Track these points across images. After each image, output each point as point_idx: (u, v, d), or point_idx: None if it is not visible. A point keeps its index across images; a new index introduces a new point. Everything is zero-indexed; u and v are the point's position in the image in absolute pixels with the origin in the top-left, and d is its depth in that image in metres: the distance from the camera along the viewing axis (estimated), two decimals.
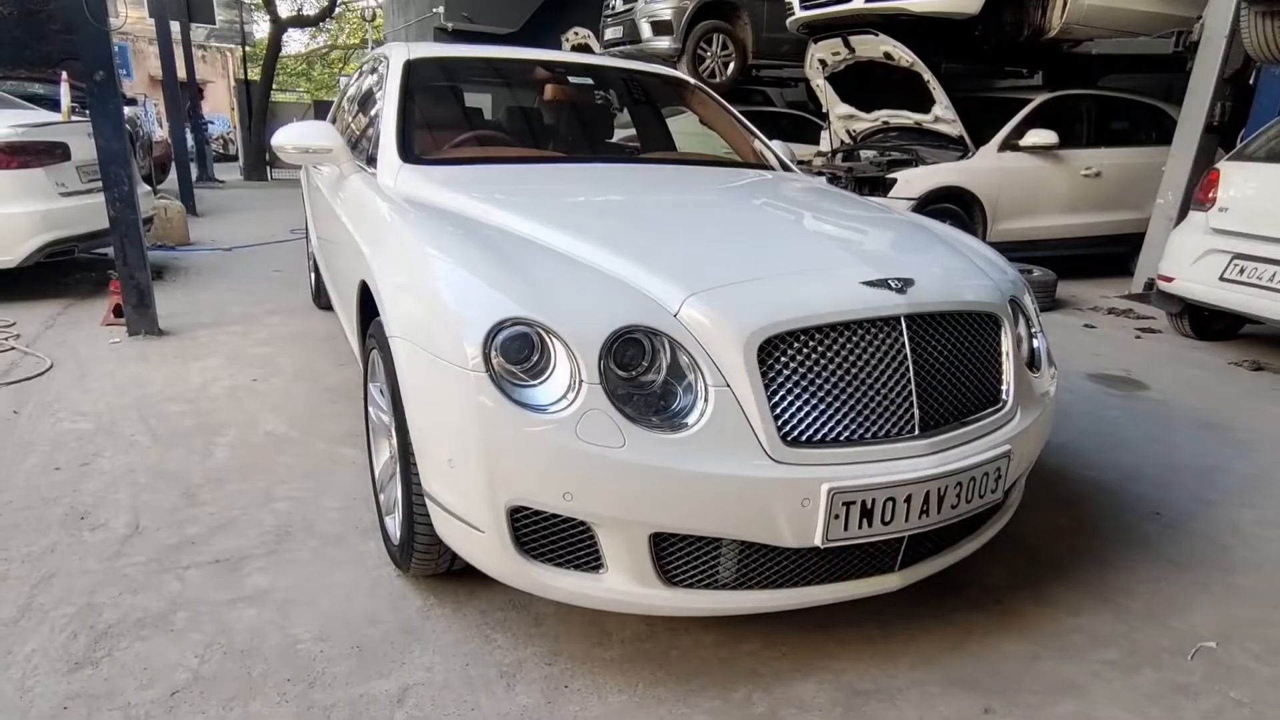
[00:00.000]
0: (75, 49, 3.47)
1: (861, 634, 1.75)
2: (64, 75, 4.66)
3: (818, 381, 1.43)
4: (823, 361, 1.44)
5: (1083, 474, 2.65)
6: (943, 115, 5.38)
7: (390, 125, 2.34)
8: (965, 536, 1.72)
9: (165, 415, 2.86)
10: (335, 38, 29.15)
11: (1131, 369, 3.91)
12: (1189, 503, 2.49)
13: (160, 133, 10.58)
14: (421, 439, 1.54)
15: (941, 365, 1.56)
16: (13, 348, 3.55)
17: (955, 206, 5.35)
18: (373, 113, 2.79)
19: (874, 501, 1.40)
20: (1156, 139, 6.09)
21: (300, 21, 18.12)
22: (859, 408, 1.45)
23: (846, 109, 6.14)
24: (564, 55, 3.21)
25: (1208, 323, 4.43)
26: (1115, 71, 6.77)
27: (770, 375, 1.40)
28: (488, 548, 1.46)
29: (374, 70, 3.18)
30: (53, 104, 5.38)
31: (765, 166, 2.84)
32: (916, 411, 1.49)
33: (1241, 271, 3.87)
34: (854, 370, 1.45)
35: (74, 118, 4.70)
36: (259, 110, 14.81)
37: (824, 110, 6.55)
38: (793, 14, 6.08)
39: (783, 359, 1.42)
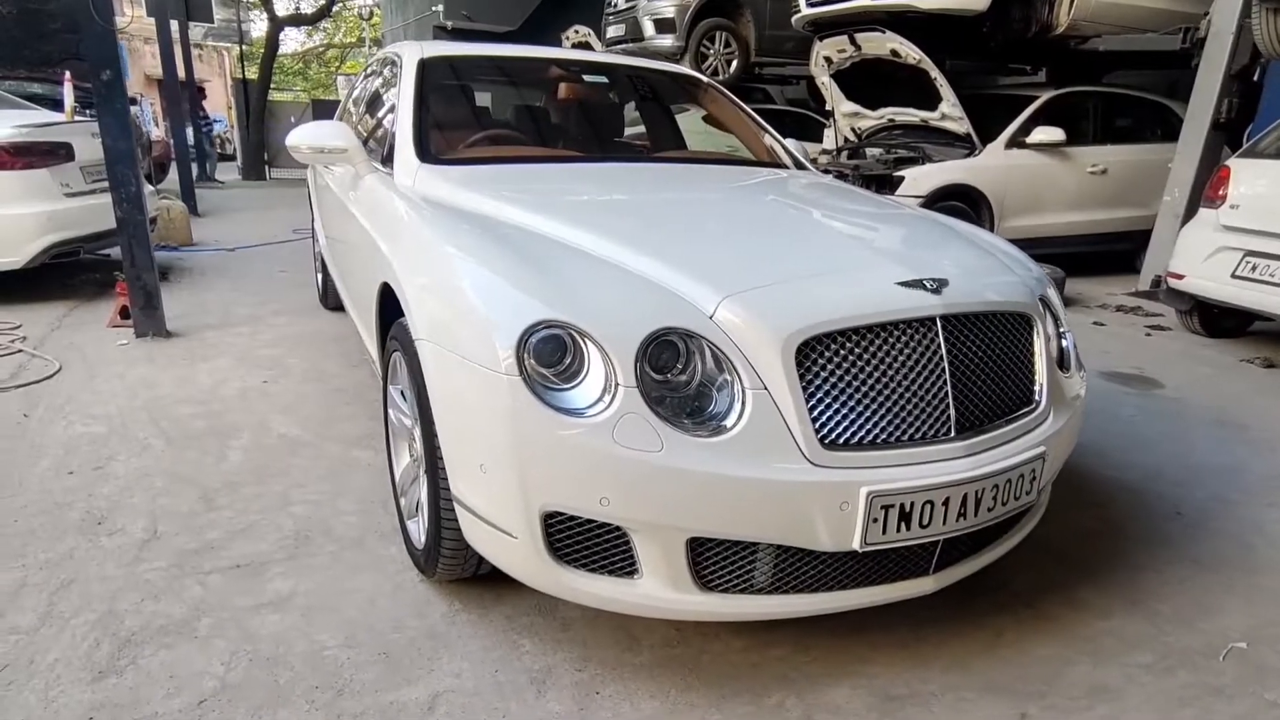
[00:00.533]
0: (76, 48, 3.46)
1: (893, 637, 1.73)
2: (67, 75, 4.63)
3: (854, 383, 1.41)
4: (859, 363, 1.42)
5: (1104, 474, 2.64)
6: (950, 113, 5.37)
7: (407, 125, 2.32)
8: (998, 538, 1.71)
9: (177, 418, 2.83)
10: (332, 37, 29.09)
11: (1144, 367, 3.90)
12: (1210, 502, 2.47)
13: (157, 132, 10.54)
14: (451, 443, 1.52)
15: (976, 366, 1.54)
16: (20, 350, 3.52)
17: (962, 204, 5.34)
18: (386, 113, 2.77)
19: (912, 504, 1.39)
20: (1162, 136, 6.08)
21: (298, 20, 18.07)
22: (896, 410, 1.43)
23: (852, 106, 6.12)
24: (578, 53, 3.19)
25: (1218, 320, 4.42)
26: (1119, 68, 6.77)
27: (807, 377, 1.38)
28: (520, 553, 1.44)
29: (384, 70, 3.16)
30: (53, 104, 5.35)
31: (779, 165, 2.82)
32: (953, 413, 1.47)
33: (1254, 269, 3.86)
34: (890, 372, 1.44)
35: (77, 118, 4.66)
36: (257, 109, 14.78)
37: (827, 108, 6.54)
38: (799, 11, 6.07)
39: (820, 361, 1.40)
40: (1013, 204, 5.56)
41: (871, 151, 5.99)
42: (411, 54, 2.66)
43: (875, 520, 1.37)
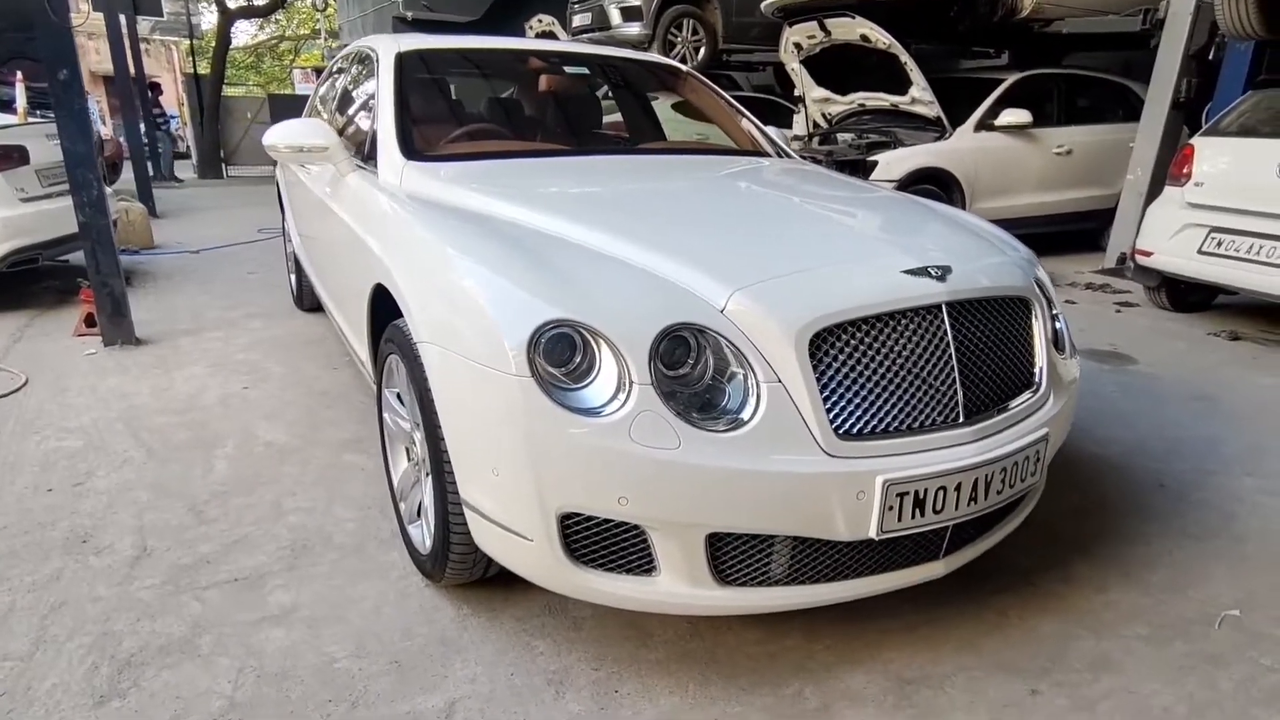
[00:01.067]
0: (25, 47, 3.31)
1: (902, 622, 1.76)
2: (18, 75, 4.44)
3: (865, 373, 1.42)
4: (870, 352, 1.43)
5: (1088, 450, 2.70)
6: (920, 97, 5.42)
7: (389, 122, 2.27)
8: (1002, 519, 1.73)
9: (156, 428, 2.75)
10: (284, 29, 28.33)
11: (1117, 343, 4.00)
12: (1191, 474, 2.55)
13: (106, 130, 10.19)
14: (459, 446, 1.50)
15: (979, 351, 1.56)
16: None
17: (934, 187, 5.40)
18: (363, 110, 2.71)
19: (926, 491, 1.40)
20: (1123, 116, 6.21)
21: (250, 12, 17.56)
22: (906, 398, 1.44)
23: (822, 92, 6.14)
24: (558, 45, 3.15)
25: (1184, 295, 4.55)
26: (1078, 50, 6.89)
27: (820, 368, 1.38)
28: (535, 556, 1.43)
29: (356, 65, 3.09)
30: (3, 104, 5.14)
31: (761, 153, 2.82)
32: (960, 399, 1.49)
33: (1219, 244, 3.97)
34: (899, 360, 1.45)
35: (30, 119, 4.48)
36: (211, 105, 14.35)
37: (796, 94, 6.55)
38: None
39: (831, 351, 1.40)
40: (983, 186, 5.65)
41: (843, 137, 6.03)
42: (388, 48, 2.60)
43: (891, 508, 1.38)
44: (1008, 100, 5.78)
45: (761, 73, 9.85)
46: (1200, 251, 4.05)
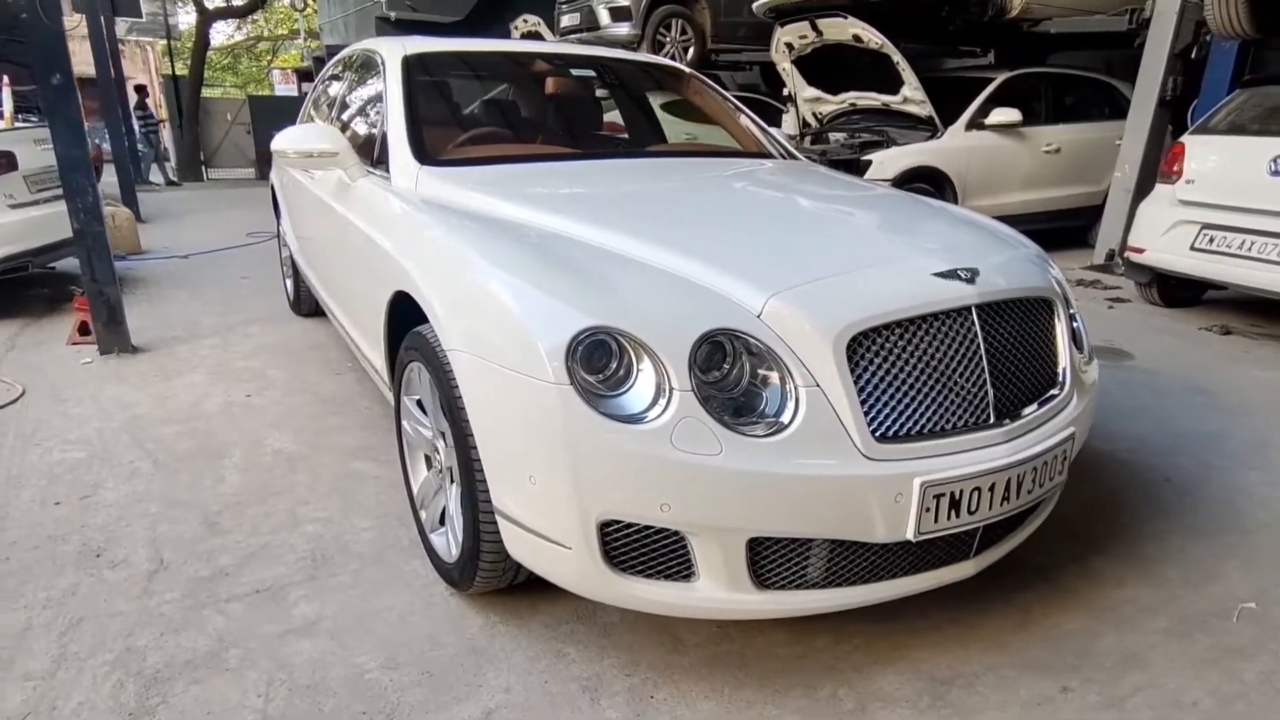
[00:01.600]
0: (3, 50, 3.24)
1: (929, 621, 1.77)
2: (4, 79, 4.36)
3: (900, 376, 1.43)
4: (904, 355, 1.44)
5: (1094, 446, 2.74)
6: (912, 96, 5.46)
7: (400, 126, 2.25)
8: (1027, 518, 1.75)
9: (161, 438, 2.71)
10: (262, 30, 27.99)
11: (1113, 339, 4.05)
12: (1195, 469, 2.59)
13: None
14: (493, 455, 1.49)
15: (1007, 352, 1.57)
16: None
17: (928, 185, 5.44)
18: (369, 113, 2.69)
19: (961, 492, 1.42)
20: (1109, 114, 6.30)
21: (229, 13, 17.35)
22: (940, 399, 1.45)
23: (814, 92, 6.17)
24: (564, 47, 3.14)
25: (1174, 291, 4.62)
26: (1062, 49, 6.97)
27: (857, 372, 1.39)
28: (574, 564, 1.42)
29: (354, 69, 3.06)
30: None
31: (767, 154, 2.83)
32: (991, 400, 1.50)
33: (1211, 241, 4.04)
34: (932, 363, 1.46)
35: (18, 124, 4.40)
36: (190, 107, 14.18)
37: (786, 94, 6.58)
38: None
39: (867, 355, 1.41)
40: (974, 184, 5.70)
41: (835, 136, 6.06)
42: (394, 51, 2.58)
43: (928, 510, 1.39)
44: (997, 99, 5.84)
45: (748, 72, 9.89)
46: (1193, 248, 4.11)
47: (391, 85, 2.42)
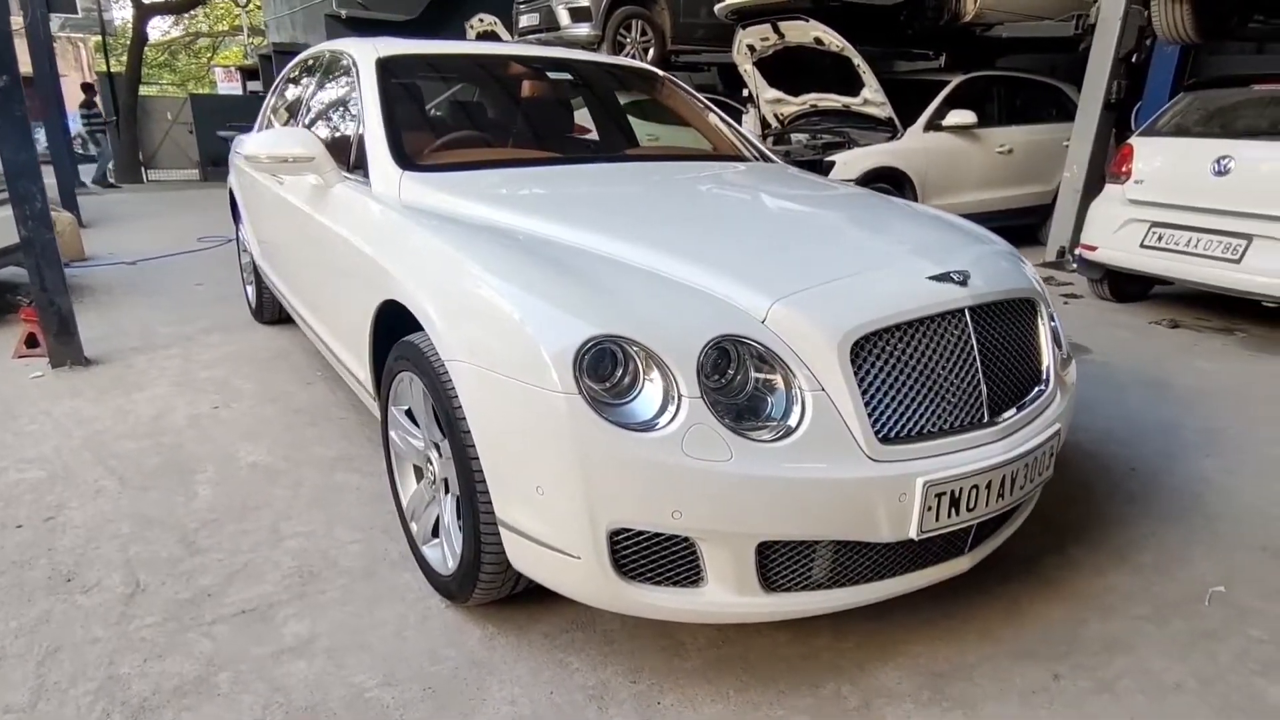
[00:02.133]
0: None
1: (921, 617, 1.81)
2: None
3: (901, 378, 1.47)
4: (904, 358, 1.47)
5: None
6: (872, 98, 5.57)
7: (378, 130, 2.21)
8: (1015, 512, 1.81)
9: (126, 454, 2.61)
10: (200, 26, 27.07)
11: (1070, 334, 4.19)
12: (1156, 458, 2.70)
13: None
14: (497, 465, 1.48)
15: (997, 352, 1.62)
16: None
17: (888, 185, 5.56)
18: (339, 117, 2.63)
19: (961, 490, 1.46)
20: (1057, 116, 6.52)
21: (166, 8, 16.75)
22: (938, 400, 1.49)
23: (775, 93, 6.24)
24: (538, 49, 3.12)
25: (1124, 286, 4.80)
26: (1009, 53, 7.20)
27: (860, 375, 1.42)
28: (582, 573, 1.42)
29: (325, 70, 2.99)
30: None
31: (743, 157, 2.86)
32: (985, 399, 1.54)
33: (1160, 238, 4.22)
34: (930, 364, 1.50)
35: None
36: (128, 106, 13.62)
37: (746, 94, 6.64)
38: (722, 1, 6.13)
39: (869, 358, 1.44)
40: (933, 184, 5.85)
41: (797, 137, 6.14)
42: (366, 53, 2.53)
43: (930, 509, 1.43)
44: (952, 101, 5.99)
45: (705, 72, 9.95)
46: (1142, 245, 4.28)
47: (366, 89, 2.37)
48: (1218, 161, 3.95)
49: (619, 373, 1.38)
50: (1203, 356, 3.86)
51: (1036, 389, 1.73)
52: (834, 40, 5.33)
